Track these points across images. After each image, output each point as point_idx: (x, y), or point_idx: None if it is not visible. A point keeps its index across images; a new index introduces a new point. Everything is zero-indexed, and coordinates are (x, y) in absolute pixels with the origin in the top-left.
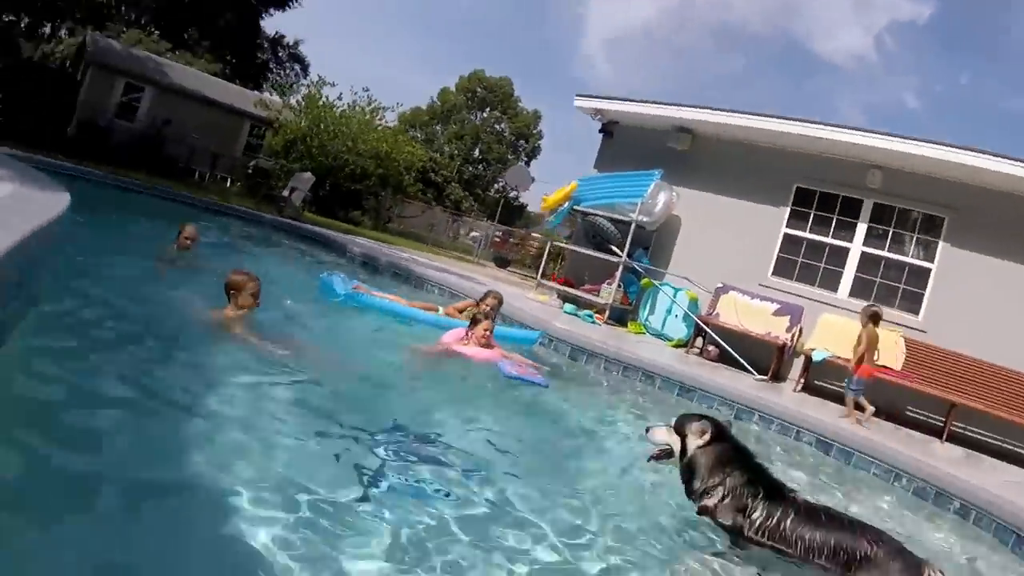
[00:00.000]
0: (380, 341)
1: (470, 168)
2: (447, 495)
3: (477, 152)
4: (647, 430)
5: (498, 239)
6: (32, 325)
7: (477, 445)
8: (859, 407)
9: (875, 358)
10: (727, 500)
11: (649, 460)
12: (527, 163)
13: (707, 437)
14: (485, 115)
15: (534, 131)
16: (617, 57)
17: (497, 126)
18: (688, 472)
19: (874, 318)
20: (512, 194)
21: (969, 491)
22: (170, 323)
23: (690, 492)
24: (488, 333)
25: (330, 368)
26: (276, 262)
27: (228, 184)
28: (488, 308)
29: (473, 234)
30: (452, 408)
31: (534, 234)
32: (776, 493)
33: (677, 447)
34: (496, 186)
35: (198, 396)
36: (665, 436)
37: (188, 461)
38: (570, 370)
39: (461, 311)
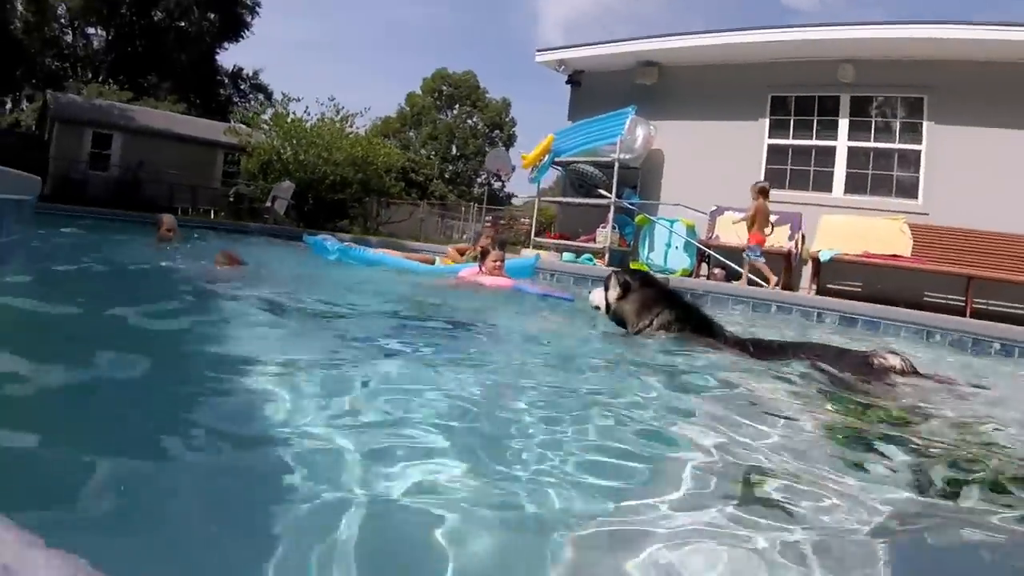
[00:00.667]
0: (388, 281)
1: (450, 166)
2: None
3: (454, 150)
4: (589, 292)
5: (488, 224)
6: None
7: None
8: (764, 276)
9: (766, 230)
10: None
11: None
12: (506, 149)
13: (618, 291)
14: (455, 112)
15: (506, 119)
16: (576, 37)
17: (469, 121)
18: (618, 322)
19: (763, 192)
20: (496, 184)
21: (1008, 333)
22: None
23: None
24: (499, 264)
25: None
26: (264, 248)
27: (212, 215)
28: (488, 242)
29: (465, 237)
30: (470, 315)
31: (518, 198)
32: (705, 329)
33: (603, 303)
34: (479, 179)
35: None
36: (598, 295)
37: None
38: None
39: (462, 253)
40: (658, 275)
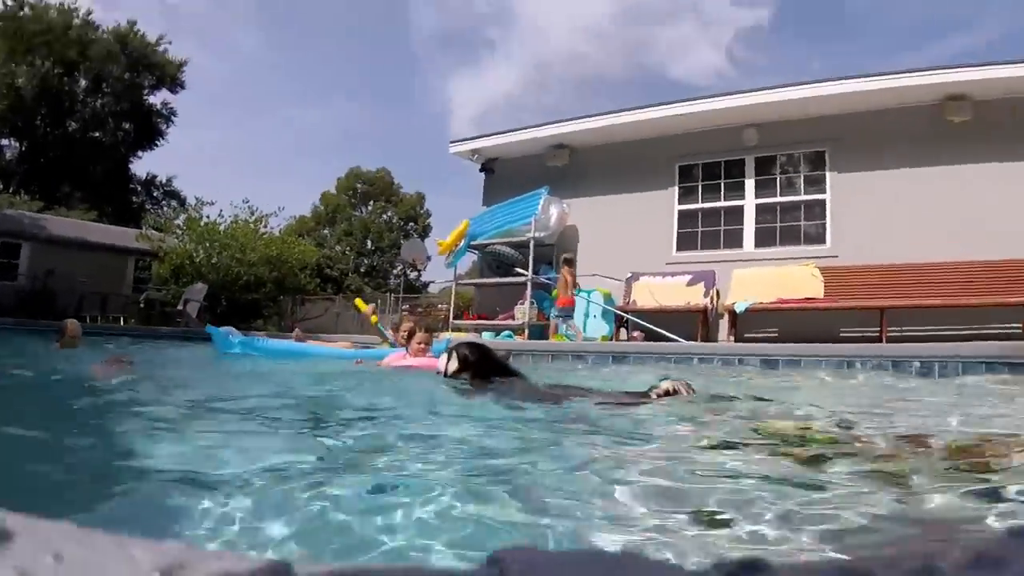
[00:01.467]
0: (299, 373)
1: (365, 260)
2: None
3: (369, 244)
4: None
5: (406, 310)
6: None
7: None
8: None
9: (569, 293)
10: None
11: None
12: (421, 239)
13: (455, 366)
14: (370, 208)
15: (421, 212)
16: (487, 129)
17: (384, 215)
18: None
19: (567, 263)
20: (413, 274)
21: (924, 351)
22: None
23: None
24: (422, 345)
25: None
26: (172, 351)
27: (122, 323)
28: (406, 331)
29: (387, 332)
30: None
31: (435, 284)
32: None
33: (443, 370)
34: (395, 271)
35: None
36: (441, 362)
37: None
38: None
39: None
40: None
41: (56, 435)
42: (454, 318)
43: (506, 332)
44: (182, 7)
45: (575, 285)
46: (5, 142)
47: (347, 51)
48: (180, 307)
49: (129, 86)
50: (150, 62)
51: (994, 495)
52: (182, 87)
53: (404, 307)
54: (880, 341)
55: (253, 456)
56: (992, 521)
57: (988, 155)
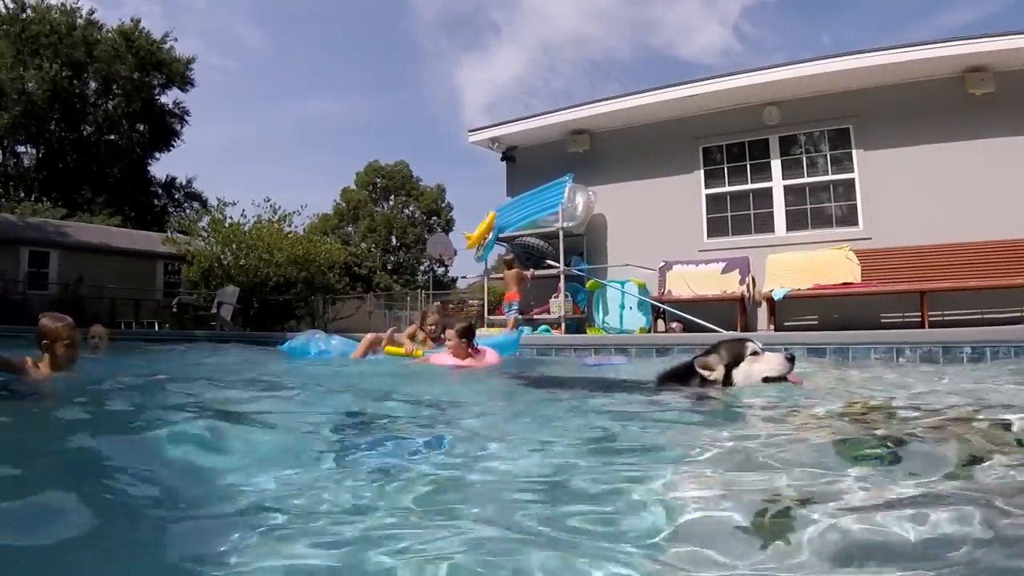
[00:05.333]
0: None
1: (391, 257)
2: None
3: (394, 240)
4: None
5: (433, 310)
6: None
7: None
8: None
9: (519, 290)
10: None
11: None
12: (446, 234)
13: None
14: (391, 203)
15: (442, 205)
16: (499, 117)
17: (406, 210)
18: None
19: (507, 264)
20: (440, 270)
21: (975, 336)
22: None
23: None
24: (456, 340)
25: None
26: (228, 353)
27: (156, 328)
28: (434, 324)
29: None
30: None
31: (465, 279)
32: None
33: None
34: (422, 267)
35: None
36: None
37: None
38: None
39: (411, 336)
40: None
41: None
42: (488, 313)
43: (543, 327)
44: (184, 4)
45: (516, 283)
46: (22, 149)
47: (350, 41)
48: (214, 310)
49: (138, 86)
50: (157, 60)
51: None
52: (192, 85)
53: (435, 304)
54: (922, 326)
55: None
56: None
57: (1016, 127)
